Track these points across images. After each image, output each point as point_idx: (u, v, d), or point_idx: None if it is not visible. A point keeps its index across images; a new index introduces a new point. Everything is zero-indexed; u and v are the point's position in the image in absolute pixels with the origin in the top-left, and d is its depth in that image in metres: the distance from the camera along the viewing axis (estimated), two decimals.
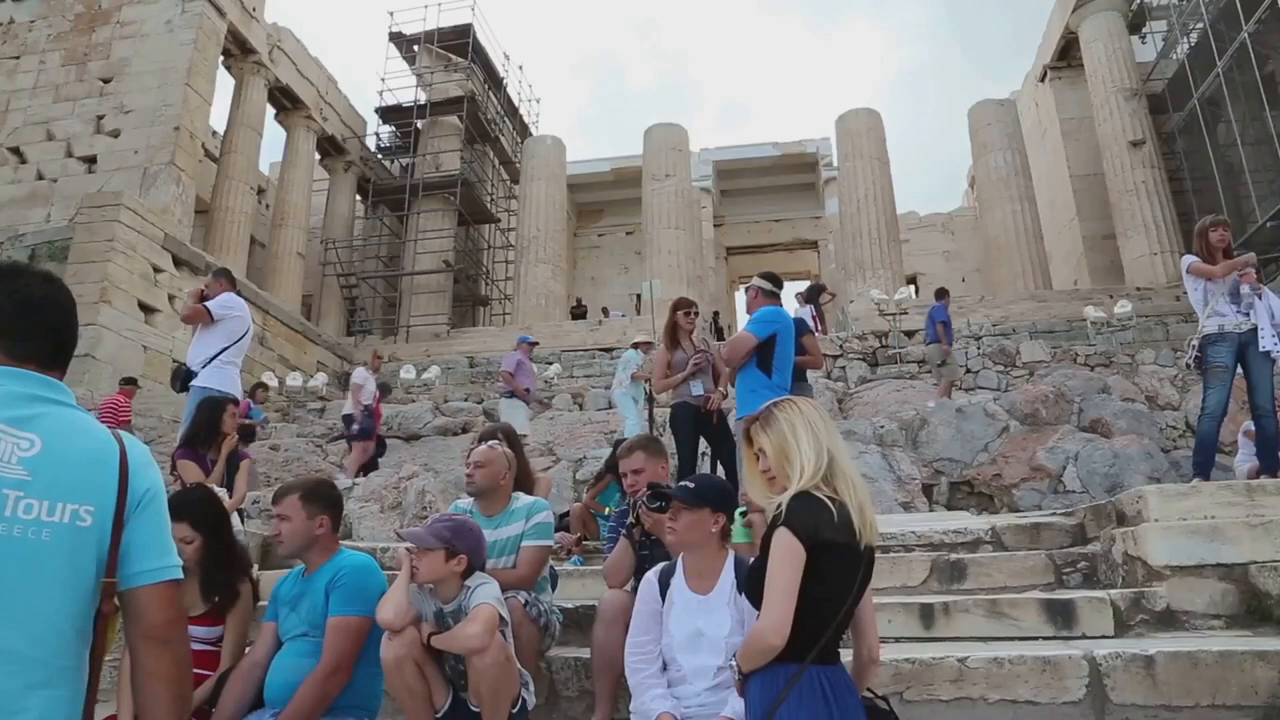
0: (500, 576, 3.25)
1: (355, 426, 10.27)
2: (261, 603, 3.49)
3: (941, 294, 12.51)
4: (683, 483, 2.82)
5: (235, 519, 4.30)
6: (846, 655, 2.29)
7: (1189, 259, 5.46)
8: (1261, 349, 5.15)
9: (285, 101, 23.18)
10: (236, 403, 5.43)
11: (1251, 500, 3.93)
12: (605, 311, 25.07)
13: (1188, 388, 10.30)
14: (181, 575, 1.65)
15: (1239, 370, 5.32)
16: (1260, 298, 5.24)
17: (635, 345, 10.00)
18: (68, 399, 1.59)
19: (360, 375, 10.69)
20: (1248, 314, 5.22)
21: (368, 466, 9.84)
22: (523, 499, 3.62)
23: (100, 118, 18.11)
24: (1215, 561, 3.67)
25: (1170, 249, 19.40)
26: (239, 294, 6.34)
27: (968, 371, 14.62)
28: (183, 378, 5.94)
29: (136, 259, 15.30)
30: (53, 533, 1.45)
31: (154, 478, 1.63)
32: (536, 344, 11.53)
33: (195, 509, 3.21)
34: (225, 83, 20.98)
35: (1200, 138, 19.82)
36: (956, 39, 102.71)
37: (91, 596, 1.51)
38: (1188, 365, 5.52)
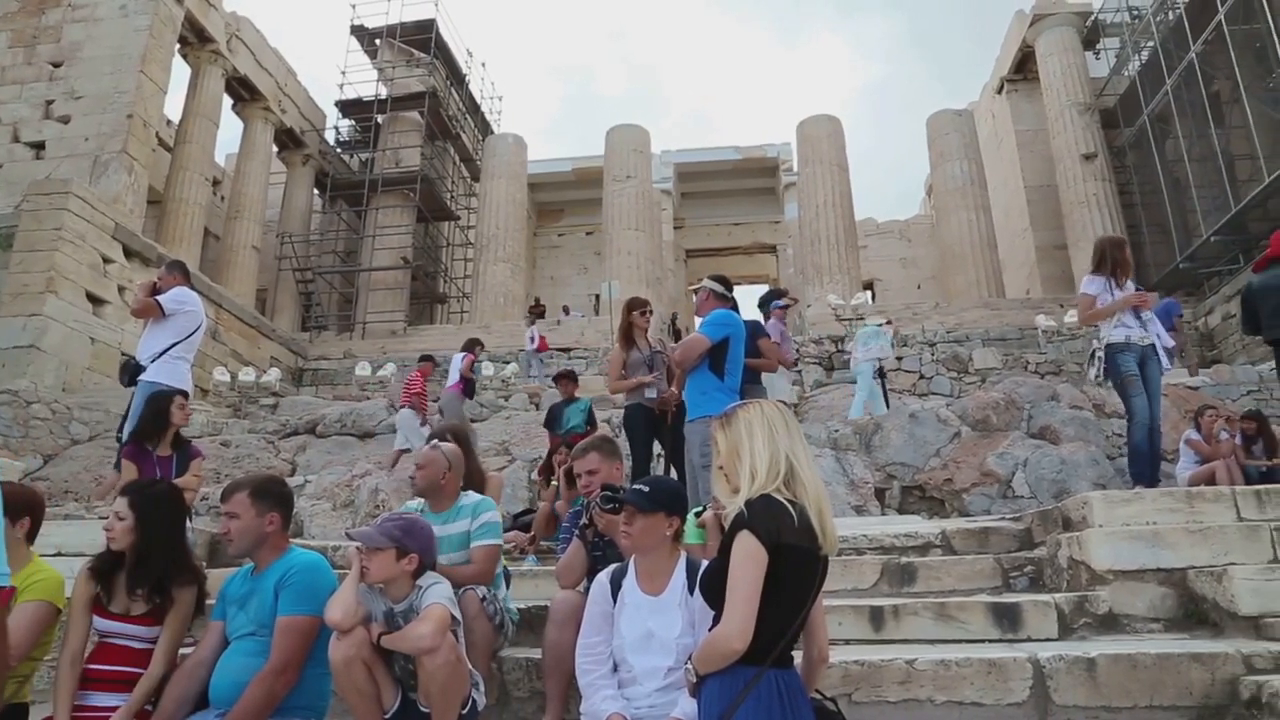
0: (456, 573, 3.25)
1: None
2: (209, 601, 3.42)
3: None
4: (636, 486, 2.80)
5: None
6: (796, 657, 2.31)
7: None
8: (1165, 368, 5.50)
9: (243, 92, 22.80)
10: (186, 395, 5.33)
11: (1191, 507, 4.03)
12: (566, 310, 25.00)
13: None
14: (10, 584, 1.92)
15: None
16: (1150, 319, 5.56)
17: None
18: None
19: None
20: (1145, 328, 5.51)
21: None
22: (471, 497, 3.68)
23: (49, 103, 17.66)
24: (1156, 566, 3.77)
25: None
26: (192, 288, 6.22)
27: (921, 378, 14.83)
28: (131, 371, 5.79)
29: (85, 249, 14.94)
30: None
31: None
32: (789, 306, 10.55)
33: (141, 493, 3.12)
34: (181, 72, 20.59)
35: (1150, 153, 20.31)
36: (919, 54, 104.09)
37: None
38: (1096, 378, 5.69)
